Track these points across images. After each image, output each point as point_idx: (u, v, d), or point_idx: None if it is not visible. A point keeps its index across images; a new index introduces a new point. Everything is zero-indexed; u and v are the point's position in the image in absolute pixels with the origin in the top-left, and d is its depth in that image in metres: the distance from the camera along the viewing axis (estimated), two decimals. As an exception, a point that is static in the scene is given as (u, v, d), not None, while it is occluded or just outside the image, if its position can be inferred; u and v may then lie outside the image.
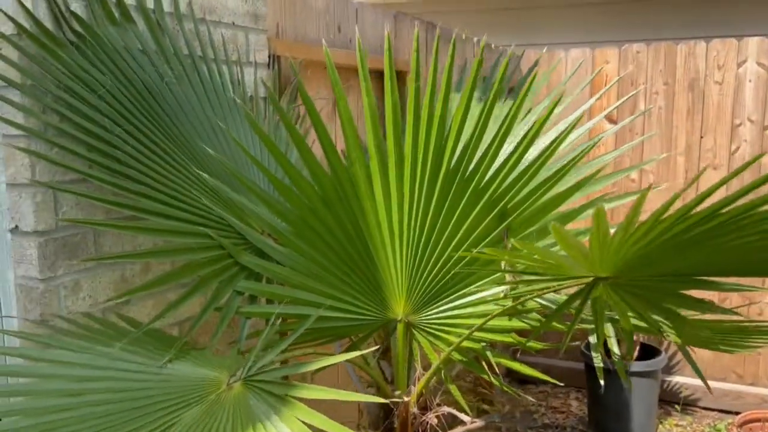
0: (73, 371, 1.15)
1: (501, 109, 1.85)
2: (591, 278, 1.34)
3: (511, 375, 4.61)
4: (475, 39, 3.63)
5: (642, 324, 1.56)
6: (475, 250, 1.45)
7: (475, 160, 1.42)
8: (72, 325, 1.27)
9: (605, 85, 3.97)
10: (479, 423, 1.60)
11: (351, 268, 1.49)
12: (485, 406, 4.15)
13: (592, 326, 1.55)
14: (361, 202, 1.43)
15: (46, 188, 1.30)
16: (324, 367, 1.71)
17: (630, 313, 1.46)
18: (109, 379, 1.17)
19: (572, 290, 1.38)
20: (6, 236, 1.32)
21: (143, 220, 1.33)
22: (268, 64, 1.89)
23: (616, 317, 1.65)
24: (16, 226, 1.31)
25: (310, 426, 1.12)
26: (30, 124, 1.26)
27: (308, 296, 1.47)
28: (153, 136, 1.39)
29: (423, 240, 1.47)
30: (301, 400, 1.17)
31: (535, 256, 1.22)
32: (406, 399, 1.56)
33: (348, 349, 1.64)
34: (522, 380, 4.56)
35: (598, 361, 1.63)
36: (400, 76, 2.63)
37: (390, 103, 1.36)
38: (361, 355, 1.74)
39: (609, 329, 1.70)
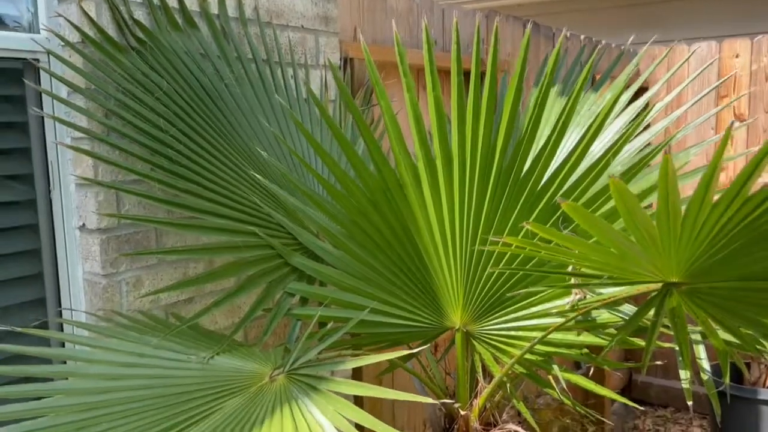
0: (118, 357, 1.18)
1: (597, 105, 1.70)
2: (660, 283, 1.19)
3: (626, 395, 4.29)
4: (582, 36, 3.43)
5: (735, 340, 1.36)
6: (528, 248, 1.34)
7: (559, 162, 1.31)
8: (128, 320, 1.32)
9: (734, 82, 3.61)
10: None
11: (403, 271, 1.44)
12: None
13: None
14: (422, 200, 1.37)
15: (108, 188, 1.37)
16: (386, 370, 1.67)
17: (716, 326, 1.28)
18: (153, 366, 1.20)
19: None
20: (75, 233, 1.40)
21: (198, 220, 1.36)
22: (340, 66, 1.88)
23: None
24: (83, 224, 1.38)
25: (358, 426, 1.09)
26: (93, 128, 1.33)
27: (360, 300, 1.44)
28: (209, 137, 1.42)
29: (476, 250, 1.39)
30: (349, 398, 1.14)
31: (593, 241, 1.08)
32: (463, 412, 1.47)
33: (404, 358, 1.58)
34: (638, 402, 4.22)
35: (686, 383, 1.44)
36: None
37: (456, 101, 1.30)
38: (424, 368, 1.67)
39: (701, 350, 1.50)
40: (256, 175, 1.43)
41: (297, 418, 1.10)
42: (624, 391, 4.34)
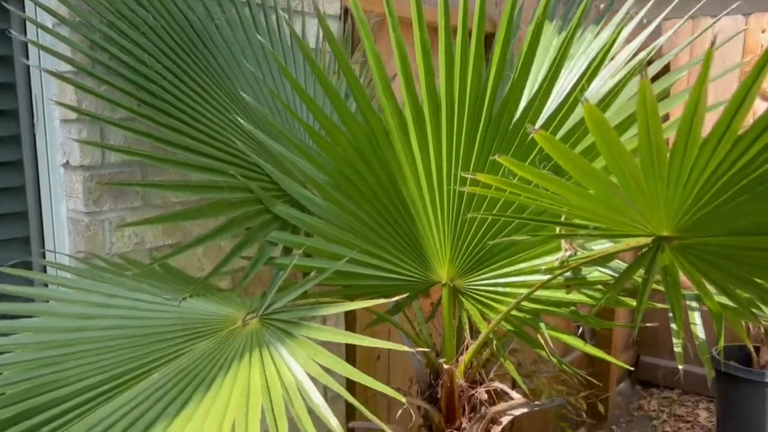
0: (91, 298, 1.17)
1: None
2: (650, 237, 1.14)
3: (632, 376, 4.24)
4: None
5: (731, 303, 1.31)
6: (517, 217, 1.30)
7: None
8: (106, 263, 1.31)
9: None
10: (521, 400, 1.44)
11: (389, 223, 1.40)
12: (601, 407, 3.84)
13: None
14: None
15: (92, 124, 1.35)
16: (372, 322, 1.63)
17: (710, 286, 1.22)
18: (127, 307, 1.18)
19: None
20: (59, 171, 1.39)
21: (183, 156, 1.34)
22: (340, 16, 1.84)
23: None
24: (67, 161, 1.37)
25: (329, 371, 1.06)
26: (77, 59, 1.30)
27: (346, 252, 1.40)
28: (197, 77, 1.39)
29: (465, 198, 1.34)
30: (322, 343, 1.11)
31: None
32: (446, 366, 1.44)
33: (392, 312, 1.55)
34: (644, 383, 4.17)
35: (678, 347, 1.39)
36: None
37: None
38: (410, 323, 1.64)
39: (696, 316, 1.45)
40: (241, 120, 1.40)
41: (266, 363, 1.07)
42: (630, 372, 4.29)
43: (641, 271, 1.25)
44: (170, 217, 1.29)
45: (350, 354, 2.07)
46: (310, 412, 1.00)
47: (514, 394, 1.50)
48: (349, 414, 2.02)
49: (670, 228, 1.13)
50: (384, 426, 1.76)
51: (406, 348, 1.14)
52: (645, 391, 4.09)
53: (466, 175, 1.24)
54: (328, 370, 1.05)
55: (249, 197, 1.37)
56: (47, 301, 1.18)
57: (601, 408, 3.78)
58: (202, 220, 1.50)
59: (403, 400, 1.10)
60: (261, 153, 1.42)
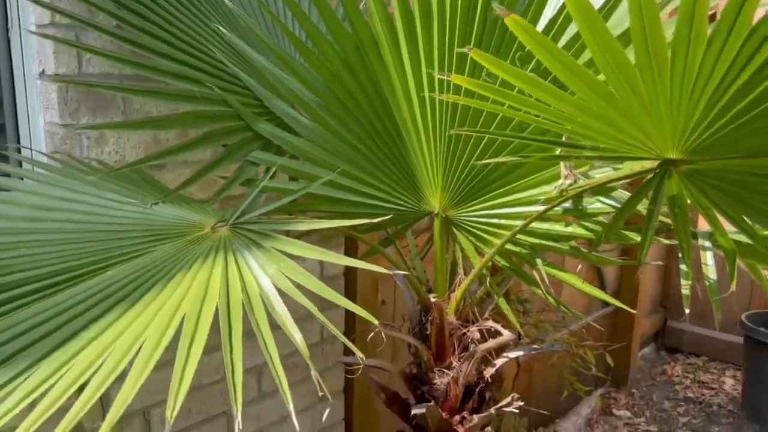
0: (58, 192, 1.12)
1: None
2: (656, 160, 1.03)
3: (658, 342, 4.11)
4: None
5: (746, 240, 1.18)
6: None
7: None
8: (83, 165, 1.25)
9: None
10: (511, 336, 1.36)
11: (379, 146, 1.31)
12: (621, 370, 3.73)
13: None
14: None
15: (68, 30, 1.28)
16: (367, 253, 1.57)
17: (721, 216, 1.10)
18: (93, 204, 1.12)
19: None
20: (36, 83, 1.33)
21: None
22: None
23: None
24: (43, 71, 1.31)
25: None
26: (50, -37, 1.23)
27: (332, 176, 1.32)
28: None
29: (459, 115, 1.24)
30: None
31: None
32: (433, 299, 1.35)
33: (384, 244, 1.47)
34: (670, 349, 4.04)
35: (686, 288, 1.27)
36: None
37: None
38: (402, 258, 1.56)
39: (708, 256, 1.33)
40: (222, 29, 1.31)
41: (230, 266, 0.99)
42: (656, 337, 4.15)
43: (646, 202, 1.14)
44: (142, 123, 1.22)
45: (351, 297, 2.01)
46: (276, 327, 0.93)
47: (507, 333, 1.41)
48: (347, 351, 1.97)
49: (678, 149, 1.01)
50: (369, 359, 1.69)
51: (383, 269, 1.05)
52: (670, 357, 3.96)
53: (443, 77, 1.12)
54: (326, 308, 0.97)
55: (227, 112, 1.29)
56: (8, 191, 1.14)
57: (621, 370, 3.67)
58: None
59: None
60: (244, 67, 1.33)
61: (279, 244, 1.05)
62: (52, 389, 0.77)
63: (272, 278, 0.98)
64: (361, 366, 1.26)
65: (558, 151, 1.12)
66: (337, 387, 1.98)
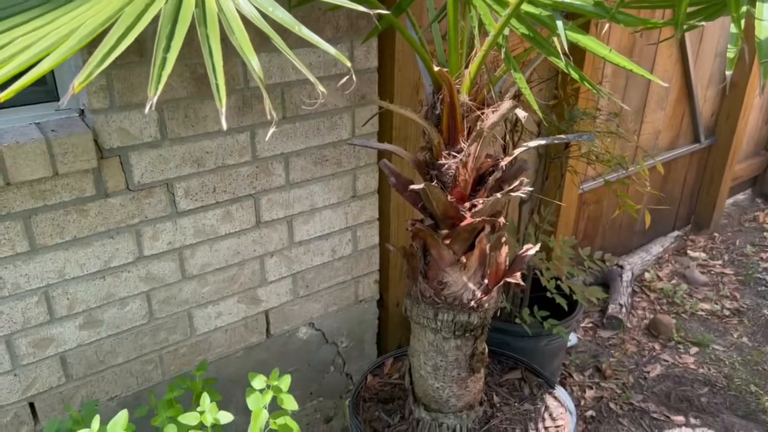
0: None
1: None
2: None
3: (756, 188, 3.76)
4: None
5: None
6: None
7: None
8: None
9: None
10: (513, 104, 1.24)
11: None
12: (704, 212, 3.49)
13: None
14: None
15: None
16: (372, 31, 1.43)
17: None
18: None
19: None
20: None
21: None
22: None
23: None
24: None
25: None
26: None
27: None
28: None
29: None
30: None
31: None
32: (441, 70, 1.24)
33: (395, 12, 1.34)
34: (767, 196, 3.69)
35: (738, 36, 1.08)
36: None
37: None
38: (416, 29, 1.43)
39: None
40: None
41: None
42: (755, 181, 3.81)
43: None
44: None
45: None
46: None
47: (521, 112, 1.29)
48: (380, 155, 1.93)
49: None
50: (404, 152, 1.63)
51: (360, 8, 0.95)
52: (765, 204, 3.64)
53: None
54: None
55: None
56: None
57: (704, 214, 3.43)
58: None
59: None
60: None
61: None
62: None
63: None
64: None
65: None
66: (371, 188, 1.96)
